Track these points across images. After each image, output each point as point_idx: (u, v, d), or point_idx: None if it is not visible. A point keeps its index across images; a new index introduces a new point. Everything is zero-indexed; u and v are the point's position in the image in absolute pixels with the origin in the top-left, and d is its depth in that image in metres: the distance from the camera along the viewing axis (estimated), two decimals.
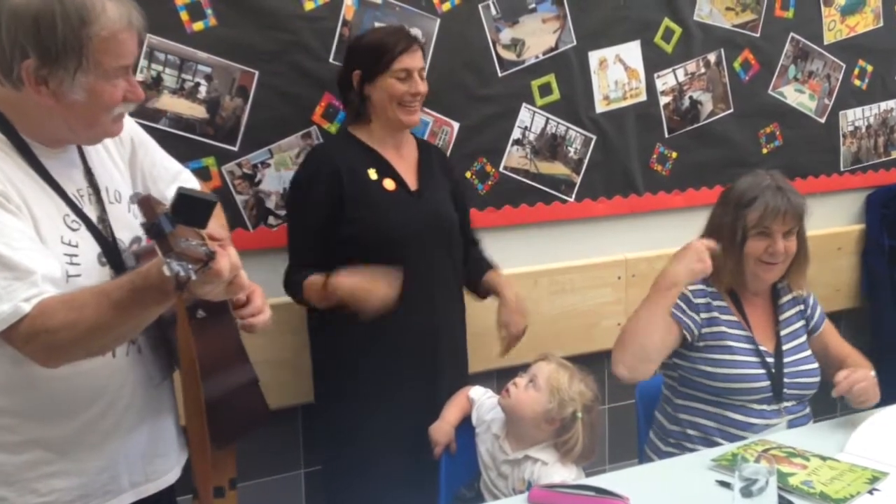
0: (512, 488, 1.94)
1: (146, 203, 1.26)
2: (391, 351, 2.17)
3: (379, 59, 2.16)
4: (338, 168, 2.15)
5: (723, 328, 2.11)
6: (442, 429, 2.07)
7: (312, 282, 2.11)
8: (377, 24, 2.47)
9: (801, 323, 2.23)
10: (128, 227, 1.58)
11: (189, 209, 1.22)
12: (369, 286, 1.98)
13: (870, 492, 1.76)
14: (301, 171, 2.24)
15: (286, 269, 2.21)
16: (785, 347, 2.15)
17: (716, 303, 2.13)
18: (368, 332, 2.12)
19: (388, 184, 2.20)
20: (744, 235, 2.08)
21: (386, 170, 2.21)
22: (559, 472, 1.89)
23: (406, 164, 2.26)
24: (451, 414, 2.10)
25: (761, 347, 2.11)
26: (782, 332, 2.17)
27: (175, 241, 1.18)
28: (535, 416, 1.92)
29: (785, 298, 2.22)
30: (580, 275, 2.90)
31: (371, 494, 2.16)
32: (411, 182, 2.25)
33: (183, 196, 1.22)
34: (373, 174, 2.19)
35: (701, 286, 2.13)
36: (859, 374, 2.01)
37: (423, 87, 2.20)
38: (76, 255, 1.47)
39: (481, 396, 2.12)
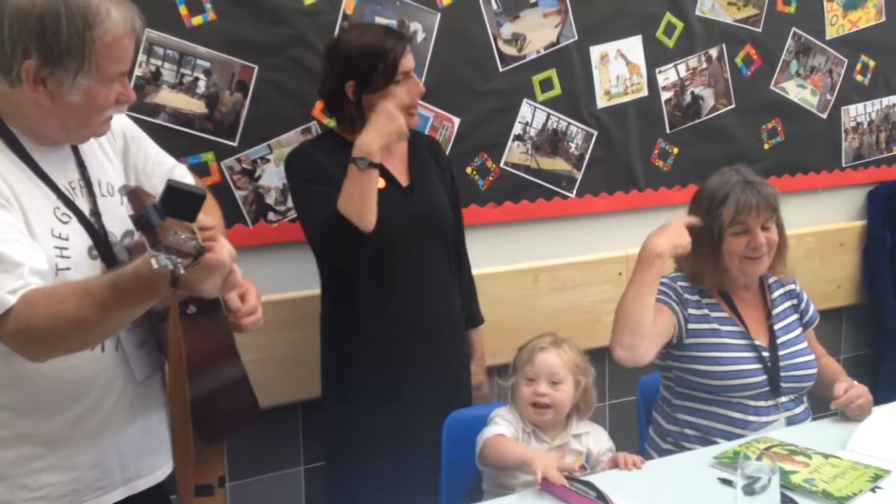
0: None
1: (135, 195, 1.25)
2: (391, 349, 2.14)
3: (379, 69, 2.04)
4: (327, 171, 2.05)
5: (714, 325, 2.10)
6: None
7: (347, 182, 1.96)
8: (377, 19, 2.46)
9: (795, 316, 2.23)
10: (120, 220, 1.57)
11: (178, 202, 1.21)
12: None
13: (872, 490, 1.75)
14: (297, 166, 2.12)
15: (322, 228, 2.01)
16: (779, 341, 2.15)
17: (706, 300, 2.13)
18: (368, 329, 2.10)
19: (379, 182, 2.09)
20: (720, 234, 2.08)
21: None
22: (599, 431, 2.00)
23: (396, 159, 2.19)
24: (520, 453, 1.83)
25: (756, 342, 2.11)
26: (776, 326, 2.17)
27: (164, 233, 1.17)
28: (572, 403, 1.96)
29: (777, 293, 2.23)
30: (581, 271, 2.89)
31: (372, 492, 2.15)
32: (402, 178, 2.18)
33: (172, 188, 1.20)
34: None
35: (690, 286, 2.14)
36: (858, 390, 2.06)
37: (421, 84, 2.14)
38: (66, 248, 1.47)
39: (504, 426, 1.94)
